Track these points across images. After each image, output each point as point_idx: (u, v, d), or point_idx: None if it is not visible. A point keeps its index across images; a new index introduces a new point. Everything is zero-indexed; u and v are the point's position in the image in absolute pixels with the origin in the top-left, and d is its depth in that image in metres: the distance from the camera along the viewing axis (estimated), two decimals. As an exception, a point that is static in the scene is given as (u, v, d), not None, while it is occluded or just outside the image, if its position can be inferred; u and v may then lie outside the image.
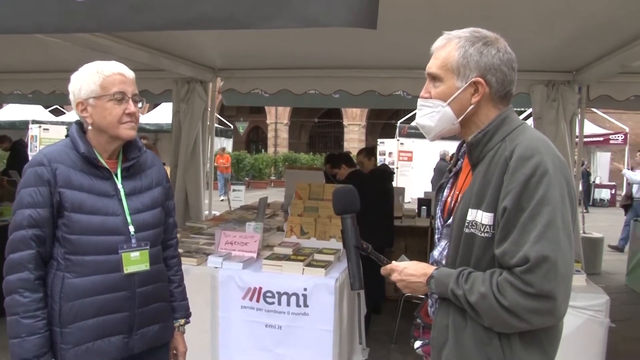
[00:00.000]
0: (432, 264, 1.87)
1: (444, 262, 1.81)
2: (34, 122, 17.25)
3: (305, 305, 3.78)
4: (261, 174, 24.79)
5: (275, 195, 11.97)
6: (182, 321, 2.41)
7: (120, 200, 2.09)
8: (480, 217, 1.61)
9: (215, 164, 17.49)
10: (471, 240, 1.64)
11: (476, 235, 1.63)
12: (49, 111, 18.72)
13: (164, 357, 2.34)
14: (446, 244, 1.81)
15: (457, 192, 1.79)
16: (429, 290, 1.75)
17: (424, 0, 3.85)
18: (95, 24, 2.85)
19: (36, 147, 16.87)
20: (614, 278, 8.14)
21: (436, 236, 1.90)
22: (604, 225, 13.48)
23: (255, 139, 36.57)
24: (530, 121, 6.96)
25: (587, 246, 7.36)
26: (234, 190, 15.09)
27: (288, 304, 3.81)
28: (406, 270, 1.79)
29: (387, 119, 29.32)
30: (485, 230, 1.61)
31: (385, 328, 5.22)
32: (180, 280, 2.43)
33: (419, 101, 1.80)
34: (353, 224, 1.89)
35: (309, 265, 3.93)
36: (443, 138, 1.85)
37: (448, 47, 1.73)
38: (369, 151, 6.67)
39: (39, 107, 17.41)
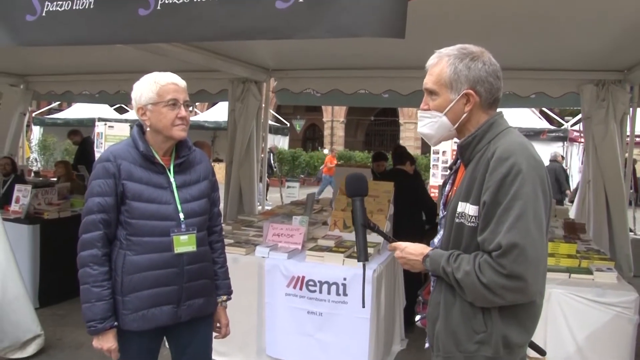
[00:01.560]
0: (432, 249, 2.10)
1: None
2: (100, 119, 18.12)
3: (345, 294, 4.01)
4: (316, 171, 25.12)
5: (328, 192, 12.21)
6: (225, 297, 2.73)
7: (173, 191, 2.43)
8: (468, 209, 1.86)
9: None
10: (460, 229, 1.89)
11: (464, 225, 1.88)
12: (114, 109, 19.58)
13: (207, 327, 2.67)
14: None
15: (455, 187, 2.03)
16: (423, 268, 1.99)
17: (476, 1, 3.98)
18: (155, 36, 3.20)
19: (102, 143, 17.74)
20: (668, 281, 7.98)
21: (439, 225, 2.14)
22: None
23: (312, 137, 36.94)
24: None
25: (637, 247, 7.26)
26: (288, 186, 15.47)
27: (329, 293, 4.05)
28: (407, 249, 2.05)
29: (443, 118, 29.10)
30: (472, 220, 1.85)
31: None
32: (224, 262, 2.74)
33: (419, 113, 2.05)
34: (361, 205, 2.15)
35: (349, 256, 4.15)
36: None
37: (440, 65, 1.94)
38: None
39: (105, 106, 18.24)
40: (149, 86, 2.39)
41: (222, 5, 2.95)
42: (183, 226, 2.41)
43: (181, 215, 2.41)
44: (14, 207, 5.72)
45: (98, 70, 8.20)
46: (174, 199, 2.42)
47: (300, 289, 4.12)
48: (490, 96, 1.93)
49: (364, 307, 2.21)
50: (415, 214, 5.75)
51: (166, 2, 3.06)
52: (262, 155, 8.19)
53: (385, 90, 7.26)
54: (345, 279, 4.01)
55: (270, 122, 9.89)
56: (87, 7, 3.30)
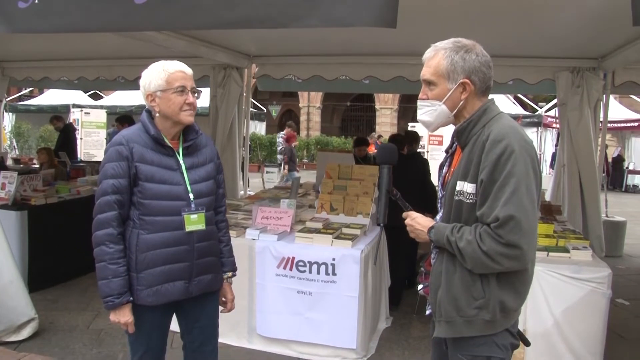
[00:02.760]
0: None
1: None
2: (75, 106, 17.87)
3: (334, 274, 4.16)
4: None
5: (307, 177, 12.33)
6: (230, 274, 2.87)
7: (182, 173, 2.54)
8: (466, 187, 2.04)
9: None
10: (459, 206, 2.08)
11: (463, 202, 2.06)
12: (88, 95, 19.32)
13: (215, 302, 2.81)
14: None
15: (452, 169, 2.21)
16: (428, 238, 2.17)
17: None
18: (150, 24, 3.25)
19: (78, 129, 17.54)
20: (636, 261, 8.30)
21: (439, 205, 2.31)
22: (633, 210, 13.51)
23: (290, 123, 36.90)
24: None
25: (608, 229, 7.55)
26: (267, 172, 15.50)
27: (318, 272, 4.20)
28: (417, 219, 2.24)
29: (419, 103, 29.30)
30: (470, 197, 2.04)
31: (410, 300, 5.55)
32: (228, 240, 2.87)
33: (419, 102, 2.22)
34: (388, 173, 2.33)
35: (338, 237, 4.30)
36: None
37: (437, 57, 2.11)
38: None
39: (79, 92, 17.97)
40: (158, 74, 2.48)
41: (217, -6, 3.02)
42: (193, 206, 2.53)
43: (191, 196, 2.53)
44: (-1, 193, 5.74)
45: (77, 56, 8.16)
46: (183, 180, 2.53)
47: (291, 269, 4.26)
48: (483, 84, 2.12)
49: (375, 264, 2.44)
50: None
51: (163, -10, 3.12)
52: (244, 141, 8.24)
53: (365, 76, 7.36)
54: (334, 259, 4.15)
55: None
56: (82, -6, 3.34)
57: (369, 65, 7.16)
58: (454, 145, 2.26)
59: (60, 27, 3.51)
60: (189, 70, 2.55)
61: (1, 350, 4.02)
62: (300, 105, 33.04)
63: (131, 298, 2.46)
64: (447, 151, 2.32)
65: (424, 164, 6.29)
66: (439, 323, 2.17)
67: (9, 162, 10.55)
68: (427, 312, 2.34)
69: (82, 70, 8.68)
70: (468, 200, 2.04)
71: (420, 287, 2.41)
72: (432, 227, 2.16)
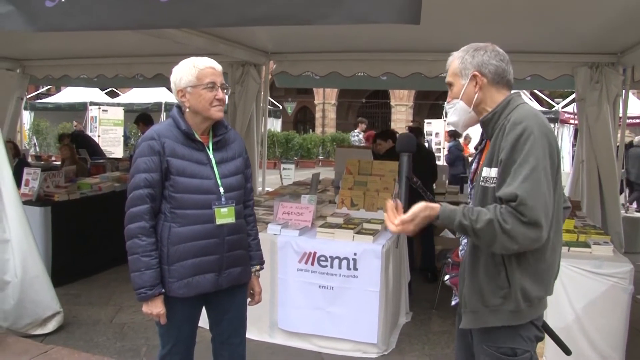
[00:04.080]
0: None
1: None
2: (92, 103, 18.05)
3: (355, 269, 4.19)
4: (309, 154, 25.21)
5: (324, 173, 12.35)
6: (258, 267, 2.90)
7: (212, 167, 2.59)
8: (491, 172, 2.08)
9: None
10: (486, 192, 2.11)
11: (488, 187, 2.09)
12: (105, 93, 19.48)
13: (243, 294, 2.85)
14: None
15: (482, 163, 2.23)
16: (435, 221, 2.13)
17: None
18: (175, 21, 3.31)
19: (96, 127, 17.72)
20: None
21: (469, 200, 2.34)
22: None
23: (303, 119, 36.94)
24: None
25: (627, 225, 7.49)
26: (284, 168, 15.56)
27: (339, 267, 4.23)
28: (419, 208, 2.15)
29: (434, 100, 29.23)
30: (494, 181, 2.06)
31: (429, 296, 5.57)
32: (256, 234, 2.92)
33: (446, 105, 2.33)
34: (408, 161, 2.43)
35: (359, 232, 4.34)
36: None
37: (453, 61, 2.25)
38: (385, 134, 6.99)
39: (96, 90, 18.13)
40: (189, 70, 2.52)
41: (241, -9, 3.06)
42: (223, 199, 2.57)
43: (221, 189, 2.58)
44: (24, 190, 5.81)
45: (96, 54, 8.25)
46: (214, 174, 2.58)
47: (312, 264, 4.29)
48: (498, 77, 2.18)
49: (397, 247, 2.56)
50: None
51: (186, -13, 3.17)
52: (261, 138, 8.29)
53: (383, 72, 7.38)
54: (355, 254, 4.18)
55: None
56: (107, -7, 3.39)
57: (387, 62, 7.17)
58: (483, 141, 2.31)
59: (86, 25, 3.57)
60: (218, 67, 2.60)
61: (29, 343, 4.13)
62: (316, 102, 33.07)
63: (163, 290, 2.51)
64: (476, 148, 2.38)
65: (430, 153, 6.93)
66: (465, 314, 2.21)
67: (30, 160, 10.66)
68: (453, 302, 2.37)
69: (101, 67, 8.80)
70: (492, 185, 2.06)
71: (447, 277, 2.45)
72: (437, 215, 2.10)
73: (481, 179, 2.12)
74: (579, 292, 3.92)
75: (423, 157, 6.01)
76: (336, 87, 26.96)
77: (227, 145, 2.69)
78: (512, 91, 2.25)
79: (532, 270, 2.07)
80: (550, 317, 3.87)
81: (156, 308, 2.50)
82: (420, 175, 2.56)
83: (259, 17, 3.06)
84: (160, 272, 2.50)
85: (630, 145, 12.29)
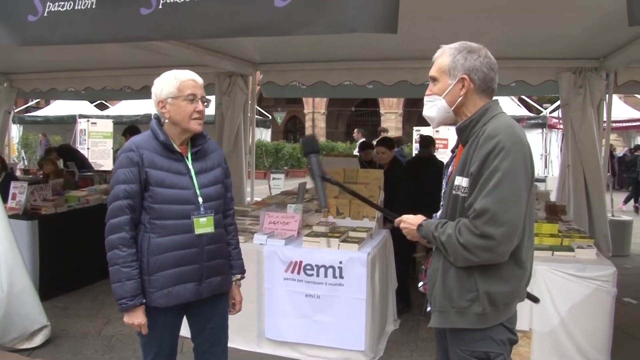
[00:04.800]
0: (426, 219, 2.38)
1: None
2: (81, 116, 17.99)
3: (341, 277, 4.21)
4: (300, 163, 25.23)
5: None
6: (239, 276, 2.93)
7: (191, 177, 2.61)
8: (462, 182, 2.13)
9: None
10: (456, 200, 2.17)
11: (459, 196, 2.15)
12: (94, 106, 19.43)
13: (224, 303, 2.86)
14: None
15: (455, 167, 2.28)
16: (418, 235, 2.28)
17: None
18: (157, 33, 3.33)
19: (85, 139, 17.66)
20: (645, 260, 8.30)
21: (442, 202, 2.36)
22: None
23: (293, 129, 36.99)
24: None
25: (615, 229, 7.55)
26: (273, 178, 15.51)
27: (325, 276, 4.24)
28: (407, 220, 2.35)
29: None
30: (464, 191, 2.13)
31: (417, 302, 5.58)
32: (237, 243, 2.93)
33: (425, 98, 2.33)
34: (317, 161, 2.50)
35: (344, 241, 4.36)
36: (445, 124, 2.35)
37: (442, 56, 2.24)
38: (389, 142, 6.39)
39: (85, 102, 18.05)
40: (170, 81, 2.56)
41: (222, 4, 3.10)
42: (202, 209, 2.59)
43: (200, 199, 2.60)
44: (10, 203, 5.80)
45: (83, 67, 8.25)
46: (192, 184, 2.60)
47: (299, 273, 4.31)
48: (484, 84, 2.19)
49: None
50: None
51: (168, 1, 3.20)
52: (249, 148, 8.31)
53: (369, 81, 7.43)
54: (341, 262, 4.20)
55: (253, 115, 10.02)
56: (89, 6, 3.42)
57: (373, 70, 7.23)
58: (458, 144, 2.33)
59: (69, 39, 3.59)
60: (199, 79, 2.63)
61: (15, 357, 4.10)
62: (305, 111, 33.13)
63: (144, 300, 2.52)
64: (452, 151, 2.40)
65: (441, 166, 6.28)
66: (433, 313, 2.26)
67: (18, 173, 10.62)
68: (429, 308, 2.39)
69: (89, 80, 8.80)
70: (463, 194, 2.12)
71: (420, 284, 2.49)
72: (420, 225, 2.26)
73: (453, 186, 2.16)
74: (563, 295, 3.95)
75: (439, 169, 5.86)
76: (323, 97, 27.13)
77: (206, 156, 2.71)
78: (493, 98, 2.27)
79: (498, 276, 2.11)
80: (535, 321, 3.95)
81: (137, 318, 2.51)
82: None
83: (241, 28, 3.09)
84: (141, 282, 2.51)
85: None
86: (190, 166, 2.63)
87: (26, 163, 17.77)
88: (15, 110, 16.57)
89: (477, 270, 2.10)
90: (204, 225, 2.59)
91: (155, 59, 6.44)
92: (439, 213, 2.36)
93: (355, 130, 16.16)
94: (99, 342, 4.68)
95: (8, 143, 10.38)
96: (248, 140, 8.11)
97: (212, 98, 7.87)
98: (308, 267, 4.29)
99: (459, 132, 2.24)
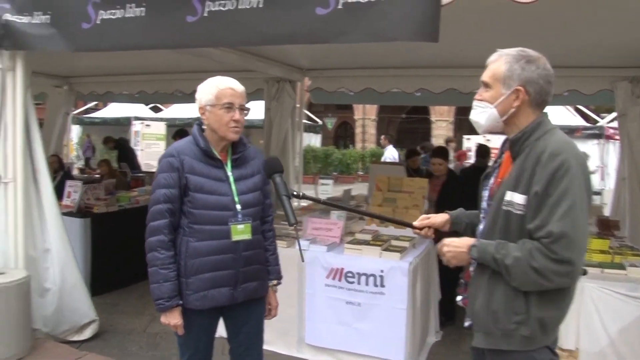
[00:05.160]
0: (478, 236, 2.27)
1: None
2: (136, 118, 18.51)
3: (382, 285, 4.18)
4: (349, 169, 25.22)
5: (362, 189, 12.33)
6: (275, 282, 2.95)
7: (230, 184, 2.65)
8: (516, 198, 2.02)
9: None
10: (508, 216, 2.06)
11: (512, 212, 2.04)
12: (149, 108, 19.93)
13: (260, 308, 2.89)
14: None
15: (499, 179, 2.19)
16: (469, 258, 2.15)
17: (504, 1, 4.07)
18: (203, 41, 3.44)
19: (139, 141, 18.16)
20: None
21: (481, 215, 2.30)
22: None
23: (344, 135, 36.96)
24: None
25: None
26: (322, 184, 15.53)
27: (367, 284, 4.23)
28: (452, 242, 2.21)
29: (476, 116, 28.84)
30: (519, 208, 2.02)
31: (461, 314, 5.48)
32: (274, 249, 2.95)
33: (474, 102, 2.23)
34: (281, 180, 2.45)
35: (386, 249, 4.34)
36: (491, 133, 2.28)
37: (498, 62, 2.13)
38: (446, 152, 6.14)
39: (140, 105, 18.56)
40: (209, 89, 2.60)
41: (265, 12, 3.15)
42: (240, 216, 2.63)
43: (238, 206, 2.63)
44: (65, 201, 6.03)
45: (137, 71, 8.49)
46: (231, 191, 2.64)
47: (339, 280, 4.31)
48: (539, 97, 2.10)
49: (303, 261, 2.86)
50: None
51: (212, 9, 3.29)
52: (297, 153, 8.36)
53: (417, 88, 7.39)
54: (382, 271, 4.18)
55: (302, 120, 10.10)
56: (138, 14, 3.55)
57: (421, 78, 7.17)
58: (502, 155, 2.25)
59: (118, 46, 3.74)
60: (239, 88, 2.64)
61: (65, 348, 4.27)
62: (356, 117, 33.12)
63: (181, 302, 2.58)
64: (495, 161, 2.32)
65: None
66: (477, 333, 2.18)
67: (75, 172, 11.03)
68: (466, 323, 2.34)
69: (142, 84, 9.08)
70: (517, 212, 2.02)
71: (459, 298, 2.41)
72: (473, 245, 2.14)
73: (504, 202, 2.06)
74: (612, 315, 3.79)
75: None
76: (371, 103, 26.99)
77: (246, 163, 2.74)
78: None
79: (551, 299, 2.02)
80: (583, 341, 3.82)
81: (174, 319, 2.57)
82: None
83: (282, 35, 3.15)
84: (178, 284, 2.57)
85: None
86: (230, 173, 2.67)
87: (83, 163, 18.34)
88: (75, 112, 17.21)
89: (527, 292, 2.02)
90: (241, 232, 2.62)
91: (205, 64, 6.56)
92: (481, 226, 2.28)
93: (382, 136, 16.00)
94: (143, 339, 4.81)
95: (67, 143, 10.77)
96: (296, 145, 8.16)
97: (261, 103, 7.99)
98: (349, 274, 4.29)
99: (511, 144, 2.14)
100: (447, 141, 14.88)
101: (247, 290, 2.71)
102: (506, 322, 2.05)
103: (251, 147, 2.80)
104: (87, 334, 4.66)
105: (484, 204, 2.30)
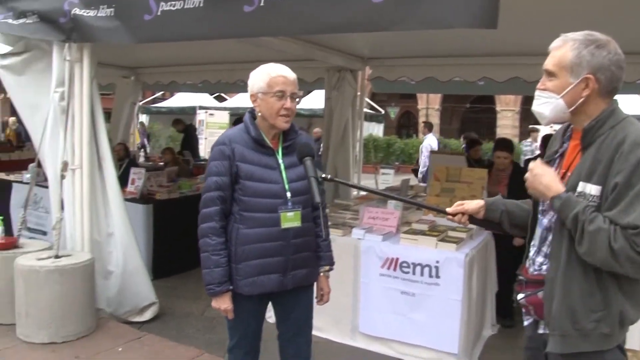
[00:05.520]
0: (543, 230, 2.15)
1: (552, 228, 2.08)
2: (201, 108, 18.96)
3: (437, 276, 4.13)
4: (411, 159, 24.94)
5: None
6: (327, 268, 2.94)
7: (281, 172, 2.67)
8: (589, 189, 1.91)
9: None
10: None
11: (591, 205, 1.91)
12: (213, 97, 20.36)
13: (309, 295, 2.91)
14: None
15: (564, 170, 2.06)
16: (548, 201, 2.02)
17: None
18: (260, 30, 3.48)
19: (203, 130, 18.60)
20: None
21: (541, 207, 2.16)
22: None
23: (407, 124, 36.62)
24: None
25: None
26: (383, 173, 15.48)
27: (422, 274, 4.19)
28: (543, 176, 2.02)
29: (544, 104, 27.91)
30: (593, 200, 1.90)
31: (519, 309, 5.35)
32: (327, 235, 2.94)
33: (537, 92, 2.08)
34: (311, 163, 2.49)
35: (442, 240, 4.28)
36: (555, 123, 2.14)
37: (564, 48, 1.96)
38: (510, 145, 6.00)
39: (205, 95, 19.02)
40: (261, 76, 2.62)
41: (321, 1, 3.15)
42: (289, 204, 2.64)
43: (288, 194, 2.64)
44: (130, 188, 6.25)
45: (200, 61, 8.68)
46: (282, 178, 2.65)
47: (395, 270, 4.28)
48: (610, 85, 1.96)
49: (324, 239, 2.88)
50: None
51: (269, -2, 3.30)
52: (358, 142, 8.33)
53: (480, 77, 7.22)
54: (438, 262, 4.13)
55: (364, 109, 10.06)
56: (197, 5, 3.63)
57: (484, 66, 6.99)
58: (565, 145, 2.12)
59: (178, 36, 3.83)
60: (291, 76, 2.64)
61: (126, 329, 4.48)
62: (419, 107, 32.71)
63: (231, 287, 2.63)
64: (556, 151, 2.16)
65: None
66: (552, 337, 2.03)
67: (141, 160, 11.44)
68: (525, 322, 2.25)
69: (205, 74, 9.26)
70: (590, 203, 1.91)
71: (520, 296, 2.20)
72: (558, 197, 1.96)
73: (575, 192, 1.94)
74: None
75: None
76: (432, 92, 26.53)
77: (296, 150, 2.73)
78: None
79: (632, 292, 1.93)
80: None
81: (224, 304, 2.64)
82: None
83: (339, 24, 3.14)
84: (229, 270, 2.63)
85: None
86: (280, 160, 2.68)
87: (149, 150, 18.95)
88: (143, 102, 17.79)
89: (607, 287, 1.92)
90: (290, 219, 2.63)
91: (266, 54, 6.56)
92: (545, 220, 2.13)
93: (531, 128, 15.39)
94: (200, 322, 4.94)
95: (133, 132, 11.16)
96: (356, 134, 8.14)
97: (322, 92, 8.01)
98: (404, 264, 4.26)
99: (584, 133, 1.99)
100: (531, 131, 14.27)
101: (296, 277, 2.73)
102: (584, 321, 1.94)
103: (302, 134, 2.81)
104: (147, 315, 4.83)
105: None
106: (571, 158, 2.06)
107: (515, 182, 4.90)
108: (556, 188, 1.98)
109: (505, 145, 5.45)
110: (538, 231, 2.18)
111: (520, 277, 2.23)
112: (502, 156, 5.27)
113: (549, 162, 2.16)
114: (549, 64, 2.01)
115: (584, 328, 1.93)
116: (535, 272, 2.16)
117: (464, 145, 9.89)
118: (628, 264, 1.82)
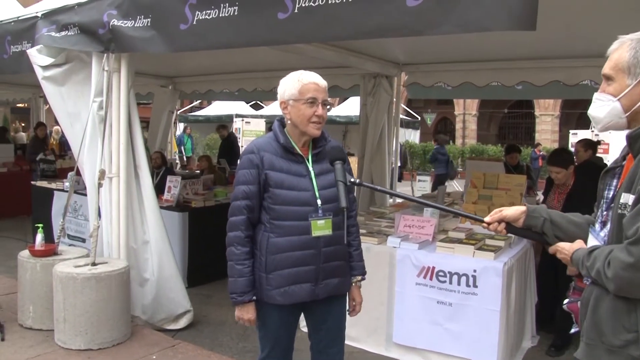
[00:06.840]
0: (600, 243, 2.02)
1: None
2: (237, 116, 19.12)
3: (475, 286, 4.04)
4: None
5: (461, 185, 12.05)
6: (359, 277, 2.89)
7: (311, 179, 2.63)
8: (630, 199, 1.79)
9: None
10: (621, 220, 1.82)
11: (625, 215, 1.80)
12: (250, 106, 20.52)
13: (342, 305, 2.86)
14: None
15: (622, 180, 1.93)
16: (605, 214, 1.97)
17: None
18: (294, 37, 3.46)
19: (240, 138, 18.76)
20: None
21: (599, 219, 2.04)
22: None
23: (443, 130, 36.21)
24: None
25: None
26: (419, 180, 15.31)
27: (458, 284, 4.09)
28: (561, 247, 2.03)
29: (584, 109, 27.21)
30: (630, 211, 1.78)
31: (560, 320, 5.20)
32: (358, 245, 2.90)
33: (594, 95, 1.97)
34: (341, 167, 2.47)
35: (480, 249, 4.18)
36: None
37: (620, 50, 1.86)
38: (588, 143, 6.33)
39: (242, 103, 19.19)
40: (293, 83, 2.60)
41: (354, 6, 3.12)
42: (320, 211, 2.60)
43: (318, 202, 2.61)
44: (166, 196, 6.32)
45: (237, 70, 8.74)
46: (312, 186, 2.62)
47: (431, 279, 4.20)
48: None
49: (345, 243, 2.74)
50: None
51: (303, 5, 3.29)
52: (394, 149, 8.26)
53: (518, 82, 7.08)
54: (475, 271, 4.03)
55: (401, 115, 9.99)
56: (231, 14, 3.63)
57: (522, 70, 6.85)
58: (625, 156, 2.00)
59: (214, 44, 3.84)
60: (322, 83, 2.62)
61: (161, 336, 4.49)
62: (456, 112, 32.40)
63: (254, 297, 2.61)
64: (623, 158, 2.04)
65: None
66: (582, 342, 1.97)
67: (178, 168, 11.60)
68: (573, 330, 2.17)
69: (242, 82, 9.35)
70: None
71: (565, 301, 2.15)
72: (575, 251, 1.95)
73: (619, 204, 1.82)
74: None
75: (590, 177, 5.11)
76: (469, 98, 26.28)
77: (327, 157, 2.69)
78: None
79: None
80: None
81: (247, 314, 2.63)
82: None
83: (374, 29, 3.10)
84: (253, 280, 2.60)
85: None
86: (311, 168, 2.65)
87: (185, 159, 19.26)
88: (180, 110, 18.06)
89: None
90: (321, 227, 2.59)
91: (301, 62, 6.59)
92: (602, 233, 2.01)
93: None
94: (234, 330, 4.92)
95: (170, 140, 11.31)
96: (392, 141, 8.07)
97: (357, 99, 7.96)
98: (441, 273, 4.18)
99: (629, 140, 1.88)
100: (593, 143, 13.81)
101: (328, 286, 2.69)
102: (612, 337, 1.82)
103: (332, 141, 2.76)
104: (182, 323, 4.84)
105: (602, 207, 2.05)
106: (627, 167, 1.95)
107: (574, 195, 4.61)
108: (570, 248, 1.98)
109: (557, 159, 4.87)
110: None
111: (573, 283, 2.16)
112: (553, 171, 4.83)
113: (614, 172, 2.06)
114: (606, 67, 1.91)
115: (611, 343, 1.82)
116: (585, 282, 2.06)
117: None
118: (628, 287, 1.74)
